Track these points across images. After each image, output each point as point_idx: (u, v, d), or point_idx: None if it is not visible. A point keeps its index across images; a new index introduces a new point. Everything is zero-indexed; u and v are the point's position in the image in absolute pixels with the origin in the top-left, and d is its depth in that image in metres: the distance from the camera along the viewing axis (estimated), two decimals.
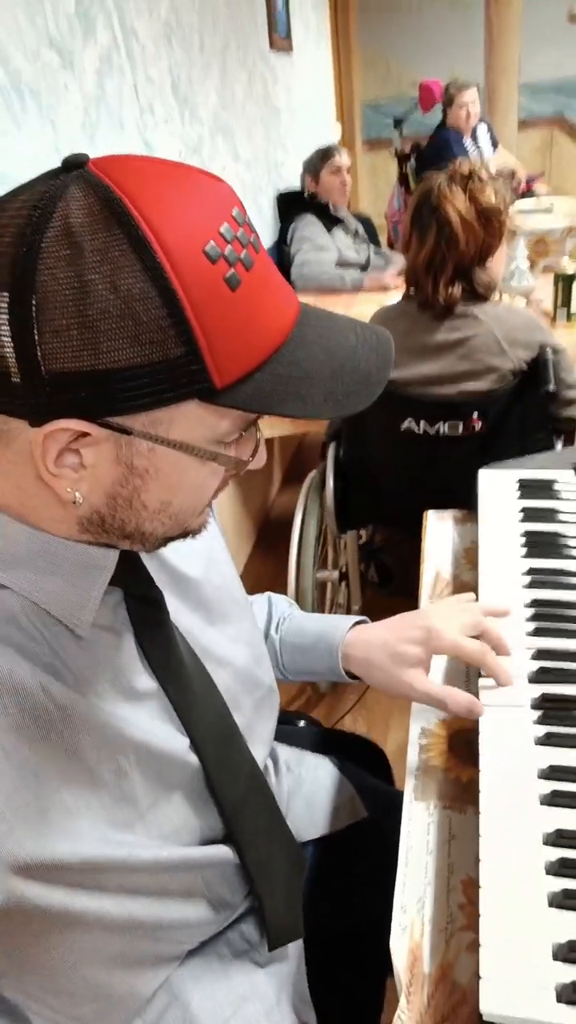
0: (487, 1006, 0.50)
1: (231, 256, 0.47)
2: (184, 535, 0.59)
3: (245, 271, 0.48)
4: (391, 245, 4.32)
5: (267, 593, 0.97)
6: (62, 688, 0.54)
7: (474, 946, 0.59)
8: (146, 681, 0.61)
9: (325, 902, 0.85)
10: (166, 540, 0.58)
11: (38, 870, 0.52)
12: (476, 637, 0.77)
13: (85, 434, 0.47)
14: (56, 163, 0.47)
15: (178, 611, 0.66)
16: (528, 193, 4.04)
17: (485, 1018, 0.49)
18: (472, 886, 0.64)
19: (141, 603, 0.61)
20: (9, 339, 0.44)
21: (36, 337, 0.43)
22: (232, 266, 0.47)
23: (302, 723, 1.18)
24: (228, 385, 0.47)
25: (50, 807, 0.53)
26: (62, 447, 0.48)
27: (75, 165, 0.46)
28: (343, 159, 3.04)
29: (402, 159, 4.33)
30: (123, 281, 0.43)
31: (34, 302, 0.43)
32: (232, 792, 0.67)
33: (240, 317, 0.47)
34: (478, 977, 0.52)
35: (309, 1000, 0.74)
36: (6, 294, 0.43)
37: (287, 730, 1.04)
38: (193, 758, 0.63)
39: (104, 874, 0.57)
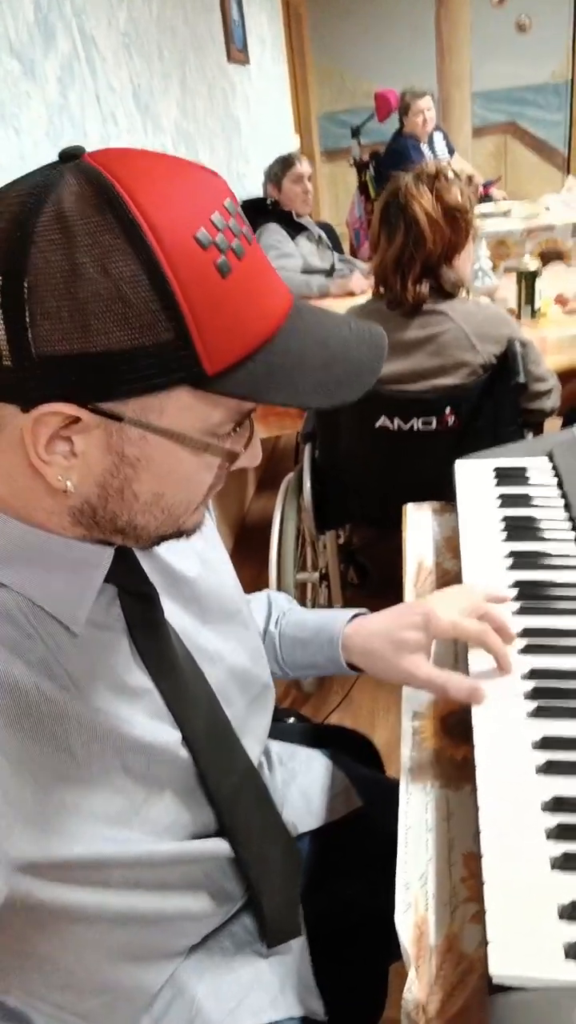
0: (496, 968, 0.50)
1: (222, 243, 0.47)
2: (179, 534, 0.58)
3: (236, 259, 0.48)
4: (353, 253, 4.37)
5: (266, 591, 0.98)
6: (56, 686, 0.54)
7: (478, 917, 0.60)
8: (139, 678, 0.61)
9: (324, 892, 0.85)
10: (160, 538, 0.58)
11: (38, 866, 0.52)
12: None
13: (76, 420, 0.47)
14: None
15: (171, 609, 0.66)
16: (485, 197, 4.12)
17: (495, 981, 0.50)
18: (473, 859, 0.65)
19: (135, 600, 0.61)
20: (1, 321, 0.44)
21: (27, 319, 0.44)
22: (223, 253, 0.47)
23: (291, 720, 1.18)
24: (219, 372, 0.47)
25: (47, 803, 0.53)
26: (52, 432, 0.48)
27: (71, 156, 0.47)
28: (304, 167, 3.07)
29: (361, 167, 4.40)
30: (114, 264, 0.44)
31: (26, 284, 0.43)
32: (225, 788, 0.67)
33: (231, 304, 0.47)
34: (484, 945, 0.52)
35: (314, 988, 0.74)
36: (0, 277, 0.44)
37: (277, 726, 1.04)
38: (185, 753, 0.63)
39: (104, 869, 0.57)
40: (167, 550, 0.67)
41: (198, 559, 0.72)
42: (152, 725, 0.61)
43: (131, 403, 0.47)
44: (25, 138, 1.43)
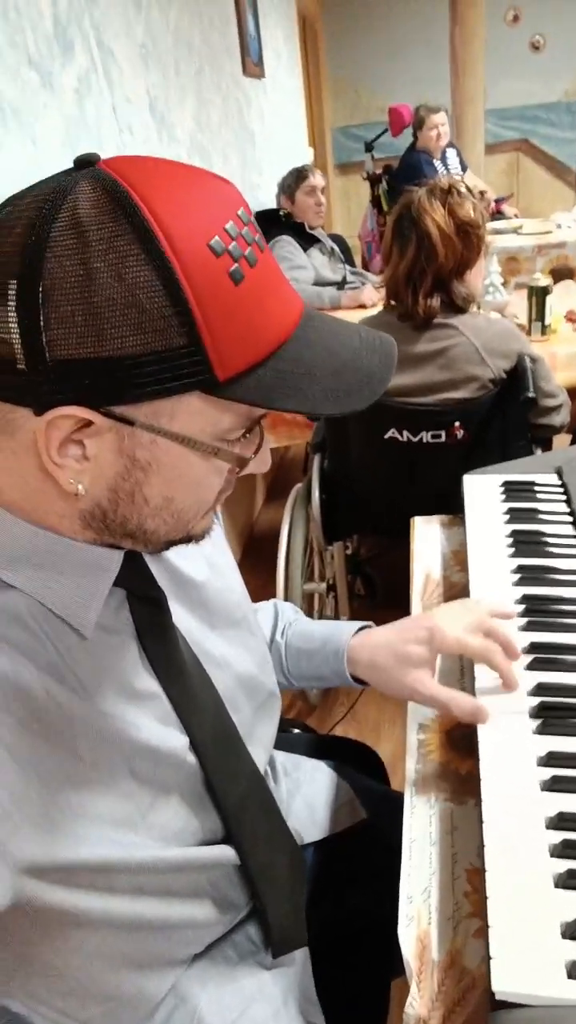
0: (498, 984, 0.50)
1: (235, 251, 0.48)
2: (188, 539, 0.59)
3: (249, 267, 0.48)
4: (365, 266, 4.39)
5: (273, 600, 0.98)
6: (65, 689, 0.54)
7: (481, 932, 0.60)
8: (148, 682, 0.61)
9: (327, 903, 0.85)
10: (169, 543, 0.58)
11: (44, 869, 0.52)
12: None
13: (88, 423, 0.48)
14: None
15: (180, 612, 0.67)
16: (497, 214, 4.14)
17: (497, 997, 0.50)
18: (476, 874, 0.64)
19: (144, 604, 0.61)
20: (16, 325, 0.45)
21: (42, 324, 0.44)
22: (236, 261, 0.47)
23: (296, 731, 1.18)
24: (230, 378, 0.48)
25: (54, 807, 0.53)
26: (65, 436, 0.48)
27: (86, 163, 0.47)
28: (317, 179, 3.09)
29: (374, 181, 4.42)
30: (128, 270, 0.44)
31: (41, 289, 0.44)
32: (232, 794, 0.67)
33: (243, 311, 0.48)
34: (487, 961, 0.52)
35: (316, 1001, 0.74)
36: (15, 282, 0.44)
37: (282, 737, 1.04)
38: (192, 759, 0.63)
39: (110, 874, 0.57)
40: (176, 554, 0.68)
41: (206, 563, 0.72)
42: (160, 730, 0.61)
43: (143, 407, 0.48)
44: (42, 147, 1.44)
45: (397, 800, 0.75)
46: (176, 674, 0.63)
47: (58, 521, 0.53)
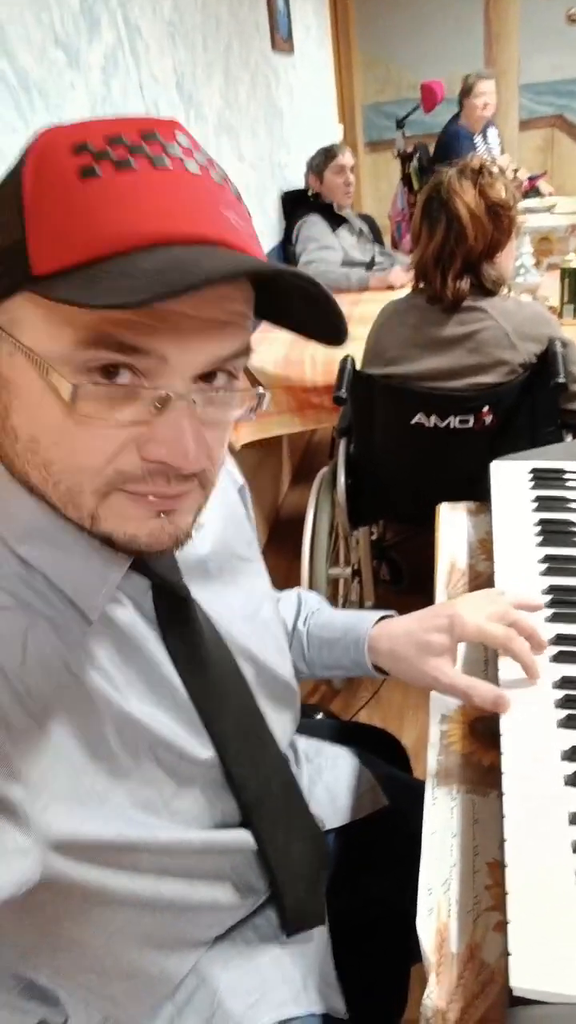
0: (517, 981, 0.49)
1: (101, 153, 0.45)
2: (108, 539, 0.51)
3: (115, 170, 0.44)
4: (395, 245, 4.33)
5: (297, 589, 0.97)
6: (87, 673, 0.54)
7: (501, 926, 0.59)
8: (169, 675, 0.61)
9: (347, 889, 0.85)
10: (95, 530, 0.51)
11: (73, 846, 0.53)
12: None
13: None
14: None
15: (208, 599, 0.66)
16: (531, 192, 4.05)
17: (515, 993, 0.49)
18: (497, 867, 0.64)
19: (167, 596, 0.61)
20: None
21: None
22: (97, 161, 0.44)
23: (319, 716, 1.18)
24: (46, 274, 0.44)
25: (80, 787, 0.54)
26: None
27: None
28: (347, 158, 3.05)
29: (405, 159, 4.35)
30: (5, 179, 0.47)
31: None
32: (253, 785, 0.67)
33: (78, 208, 0.44)
34: (506, 956, 0.52)
35: (336, 984, 0.74)
36: None
37: (305, 722, 1.04)
38: (211, 754, 0.63)
39: (133, 853, 0.57)
40: (202, 541, 0.67)
41: (210, 537, 0.70)
42: (179, 723, 0.61)
43: (3, 308, 0.46)
44: None
45: (419, 788, 0.74)
46: (198, 668, 0.63)
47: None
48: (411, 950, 0.83)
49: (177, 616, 0.62)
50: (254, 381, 0.56)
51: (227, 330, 0.49)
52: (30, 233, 0.44)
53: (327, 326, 0.52)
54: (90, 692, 0.54)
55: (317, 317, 0.51)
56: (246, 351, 0.51)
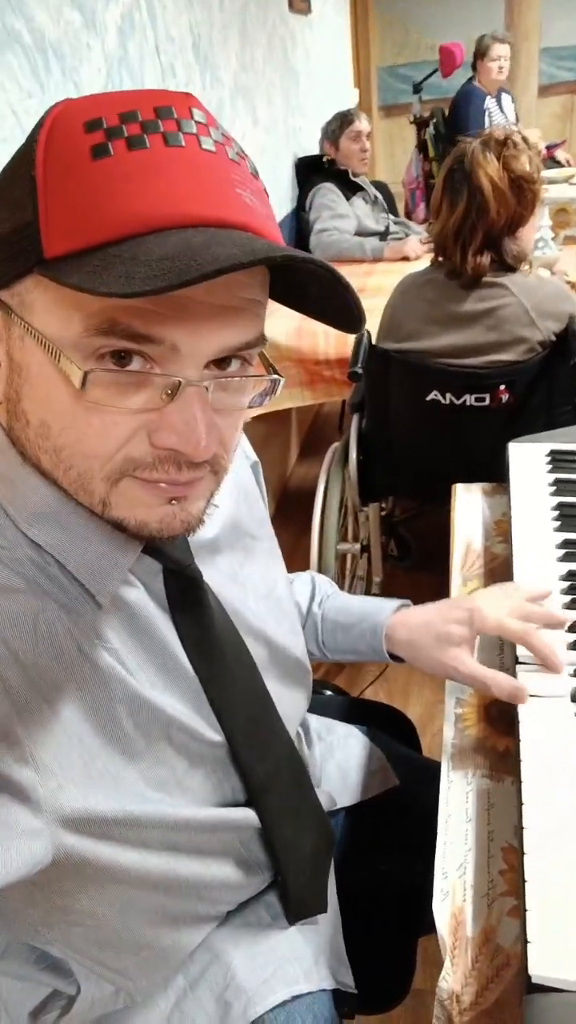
0: (536, 968, 0.50)
1: (115, 131, 0.43)
2: (120, 526, 0.51)
3: (126, 148, 0.43)
4: (408, 214, 4.26)
5: (310, 571, 0.97)
6: (99, 654, 0.54)
7: (515, 911, 0.60)
8: (179, 659, 0.61)
9: (357, 866, 0.86)
10: (106, 516, 0.50)
11: (86, 824, 0.53)
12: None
13: None
14: None
15: (220, 581, 0.66)
16: (550, 161, 3.97)
17: (534, 980, 0.50)
18: (512, 853, 0.65)
19: (179, 580, 0.61)
20: None
21: None
22: (109, 139, 0.43)
23: (328, 692, 1.18)
24: (57, 257, 0.43)
25: (93, 765, 0.54)
26: None
27: None
28: (363, 124, 2.99)
29: (421, 125, 4.25)
30: (18, 155, 0.46)
31: None
32: (260, 770, 0.67)
33: (89, 186, 0.43)
34: (521, 941, 0.52)
35: (346, 961, 0.75)
36: None
37: (315, 698, 1.05)
38: (219, 737, 0.63)
39: (146, 830, 0.57)
40: (214, 519, 0.66)
41: (220, 519, 0.69)
42: (190, 705, 0.61)
43: (14, 291, 0.46)
44: (85, 92, 1.40)
45: (429, 768, 0.75)
46: (208, 652, 0.62)
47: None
48: (419, 923, 0.85)
49: (188, 599, 0.61)
50: (268, 367, 0.54)
51: (240, 317, 0.48)
52: (43, 213, 0.43)
53: (344, 312, 0.51)
54: (102, 674, 0.54)
55: (334, 303, 0.50)
56: (259, 341, 0.50)
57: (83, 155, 0.43)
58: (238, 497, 0.73)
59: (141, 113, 0.44)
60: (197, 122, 0.46)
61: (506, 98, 4.09)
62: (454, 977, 0.57)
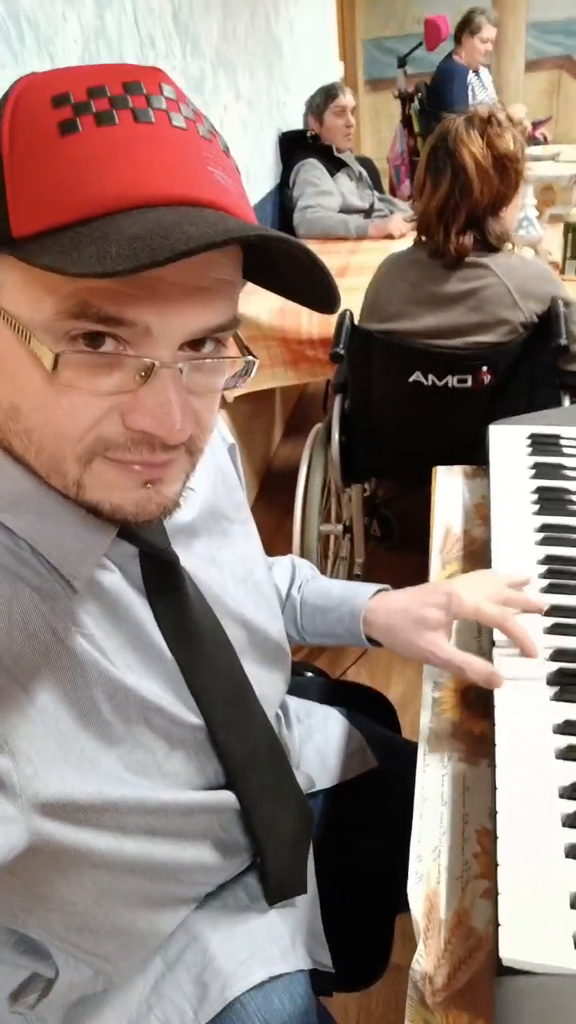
0: (506, 951, 0.51)
1: (83, 106, 0.42)
2: (94, 510, 0.51)
3: (95, 124, 0.42)
4: (392, 191, 4.22)
5: (290, 556, 0.97)
6: (74, 639, 0.54)
7: (489, 894, 0.61)
8: (157, 643, 0.60)
9: (335, 847, 0.87)
10: (80, 499, 0.50)
11: (63, 810, 0.53)
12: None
13: None
14: None
15: (198, 565, 0.66)
16: (533, 139, 3.94)
17: (505, 963, 0.51)
18: (487, 836, 0.65)
19: (155, 564, 0.60)
20: None
21: None
22: (77, 114, 0.42)
23: (308, 674, 1.19)
24: (25, 236, 0.42)
25: (70, 751, 0.54)
26: None
27: None
28: (347, 99, 2.95)
29: (405, 100, 4.21)
30: None
31: None
32: (239, 752, 0.67)
33: (56, 163, 0.42)
34: (493, 924, 0.53)
35: (324, 941, 0.76)
36: None
37: (296, 681, 1.05)
38: (198, 720, 0.63)
39: (124, 815, 0.57)
40: (191, 503, 0.66)
41: (197, 503, 0.69)
42: (168, 689, 0.61)
43: None
44: (61, 64, 1.37)
45: (408, 749, 0.76)
46: (186, 635, 0.62)
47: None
48: (396, 902, 0.86)
49: (165, 583, 0.61)
50: (243, 348, 0.54)
51: (214, 298, 0.47)
52: (10, 192, 0.42)
53: (319, 293, 0.50)
54: (79, 659, 0.54)
55: (309, 282, 0.49)
56: (233, 323, 0.49)
57: (51, 131, 0.42)
58: (215, 481, 0.72)
59: (110, 88, 0.43)
60: (167, 98, 0.45)
61: (485, 72, 4.06)
62: (427, 959, 0.57)
